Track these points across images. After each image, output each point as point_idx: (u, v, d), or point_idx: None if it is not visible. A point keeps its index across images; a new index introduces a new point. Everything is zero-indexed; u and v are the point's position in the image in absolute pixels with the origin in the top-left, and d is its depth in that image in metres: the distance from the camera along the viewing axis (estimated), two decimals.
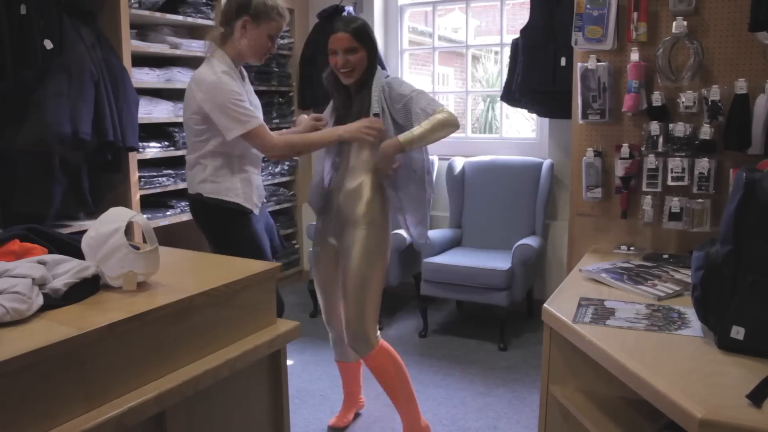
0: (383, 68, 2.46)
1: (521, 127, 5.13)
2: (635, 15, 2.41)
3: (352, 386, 2.72)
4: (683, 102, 2.36)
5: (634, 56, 2.43)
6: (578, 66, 2.54)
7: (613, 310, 1.79)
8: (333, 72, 2.31)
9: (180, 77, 3.63)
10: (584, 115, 2.56)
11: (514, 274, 3.48)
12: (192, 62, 3.78)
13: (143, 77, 3.42)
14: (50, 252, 1.51)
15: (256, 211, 2.36)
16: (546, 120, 3.94)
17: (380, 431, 2.66)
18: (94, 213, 3.21)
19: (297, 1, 4.52)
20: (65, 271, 1.38)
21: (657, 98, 2.39)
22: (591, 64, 2.50)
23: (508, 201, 3.90)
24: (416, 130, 2.17)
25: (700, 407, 1.20)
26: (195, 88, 2.23)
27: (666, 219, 2.44)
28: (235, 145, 2.25)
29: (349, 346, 2.38)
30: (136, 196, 3.30)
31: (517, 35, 3.62)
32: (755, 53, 2.30)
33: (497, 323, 3.52)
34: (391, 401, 2.43)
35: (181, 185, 3.69)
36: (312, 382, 3.13)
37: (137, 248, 1.47)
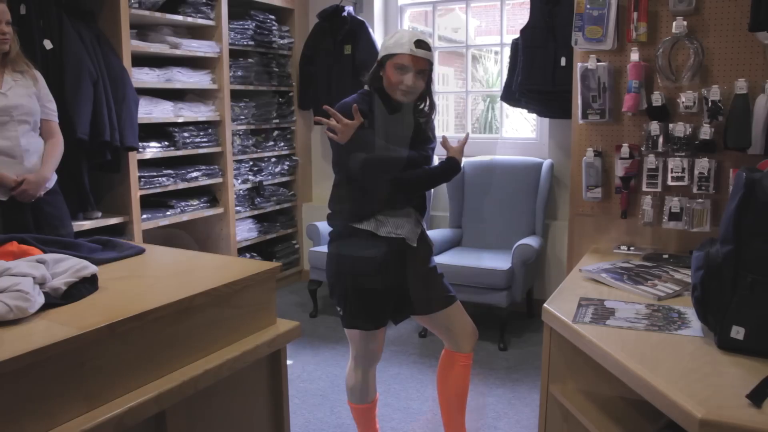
0: None
1: (521, 127, 5.13)
2: (635, 15, 2.41)
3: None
4: (683, 102, 2.36)
5: (634, 56, 2.42)
6: (578, 66, 2.54)
7: (613, 310, 1.79)
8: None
9: (180, 77, 3.63)
10: (584, 115, 2.56)
11: (514, 274, 3.48)
12: (192, 62, 3.79)
13: (143, 77, 3.42)
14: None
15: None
16: (546, 120, 3.94)
17: None
18: (95, 212, 3.21)
19: (297, 1, 4.52)
20: (64, 270, 1.38)
21: (657, 98, 2.39)
22: (591, 64, 2.50)
23: (508, 201, 3.90)
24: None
25: (700, 407, 1.20)
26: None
27: (666, 219, 2.44)
28: None
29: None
30: (136, 195, 3.31)
31: (517, 35, 3.62)
32: (755, 53, 2.30)
33: (497, 323, 3.52)
34: (457, 408, 2.37)
35: (181, 185, 3.69)
36: (312, 382, 3.12)
37: None
